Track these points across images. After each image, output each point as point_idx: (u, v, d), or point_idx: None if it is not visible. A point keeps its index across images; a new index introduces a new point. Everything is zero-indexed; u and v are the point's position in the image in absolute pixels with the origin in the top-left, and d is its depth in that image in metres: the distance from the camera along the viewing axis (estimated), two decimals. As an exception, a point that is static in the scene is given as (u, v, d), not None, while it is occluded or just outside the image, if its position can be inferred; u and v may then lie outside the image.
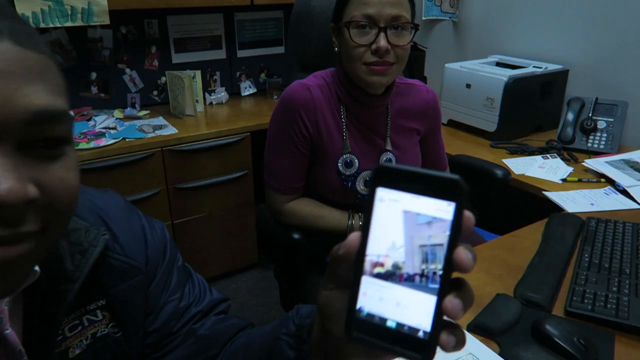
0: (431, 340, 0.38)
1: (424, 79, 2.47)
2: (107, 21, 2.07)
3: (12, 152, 0.40)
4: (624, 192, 1.50)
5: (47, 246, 0.45)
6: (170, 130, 2.16)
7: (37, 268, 0.51)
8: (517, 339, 0.88)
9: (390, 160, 1.27)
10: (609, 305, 0.94)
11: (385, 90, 1.23)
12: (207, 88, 2.66)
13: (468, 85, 2.07)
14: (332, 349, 0.46)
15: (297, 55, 1.54)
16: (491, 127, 1.98)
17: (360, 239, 0.39)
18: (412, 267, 0.38)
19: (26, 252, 0.42)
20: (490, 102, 1.97)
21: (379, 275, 0.39)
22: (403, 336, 0.38)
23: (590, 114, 1.90)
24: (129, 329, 0.62)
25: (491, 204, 1.65)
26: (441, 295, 0.37)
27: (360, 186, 1.25)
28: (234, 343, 0.68)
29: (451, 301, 0.36)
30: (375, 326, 0.39)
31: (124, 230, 0.62)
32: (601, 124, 1.89)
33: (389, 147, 1.28)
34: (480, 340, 0.88)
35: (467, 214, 0.37)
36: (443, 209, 0.37)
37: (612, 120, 1.88)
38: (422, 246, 0.38)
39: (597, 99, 1.91)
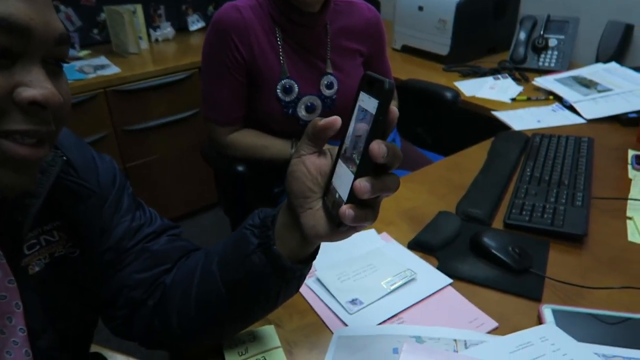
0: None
1: (376, 3, 2.39)
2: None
3: (40, 65, 0.48)
4: (571, 108, 1.51)
5: (49, 152, 0.52)
6: (113, 70, 2.05)
7: None
8: (455, 252, 0.90)
9: (331, 83, 1.24)
10: (545, 216, 0.97)
11: (321, 7, 1.16)
12: (151, 24, 2.51)
13: (420, 8, 2.00)
14: (296, 229, 0.56)
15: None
16: (444, 50, 1.95)
17: (340, 124, 0.51)
18: (350, 152, 0.50)
19: (45, 153, 0.50)
20: (443, 24, 1.92)
21: (340, 157, 0.52)
22: (338, 205, 0.50)
23: (541, 32, 1.88)
24: (85, 249, 0.64)
25: (443, 127, 1.65)
26: (356, 175, 0.48)
27: (301, 112, 1.22)
28: (189, 258, 0.71)
29: (359, 182, 0.47)
30: (331, 196, 0.52)
31: (76, 156, 0.65)
32: (552, 42, 1.87)
33: (329, 69, 1.24)
34: (420, 256, 0.90)
35: (392, 108, 0.47)
36: (372, 106, 0.47)
37: (563, 37, 1.87)
38: (357, 136, 0.49)
39: (549, 16, 1.89)
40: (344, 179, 0.50)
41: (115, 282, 0.67)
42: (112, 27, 2.27)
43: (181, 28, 2.61)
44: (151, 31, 2.46)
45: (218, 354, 0.69)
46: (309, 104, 1.22)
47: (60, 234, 0.62)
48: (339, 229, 0.52)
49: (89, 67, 2.07)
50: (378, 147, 0.46)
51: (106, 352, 0.90)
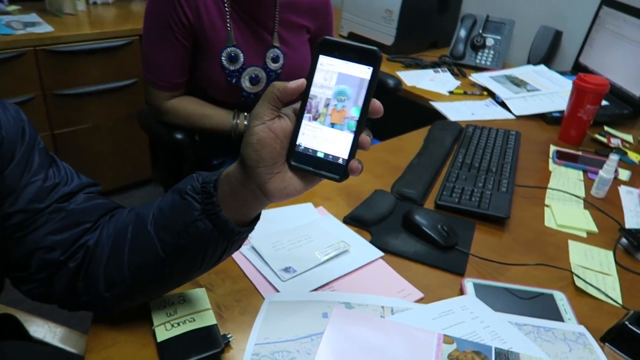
0: (347, 166, 0.55)
1: (327, -11, 2.39)
2: None
3: None
4: (502, 104, 1.60)
5: None
6: (45, 28, 1.92)
7: None
8: (388, 228, 0.93)
9: (277, 57, 1.23)
10: (473, 199, 1.02)
11: None
12: (89, -15, 2.37)
13: (368, -4, 2.03)
14: (251, 193, 0.56)
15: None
16: (389, 40, 1.99)
17: (304, 87, 0.54)
18: (317, 111, 0.55)
19: None
20: (389, 14, 1.96)
21: (315, 119, 0.55)
22: (328, 163, 0.55)
23: (480, 31, 1.96)
24: None
25: (384, 113, 1.69)
26: (357, 133, 0.54)
27: (245, 83, 1.21)
28: (113, 217, 0.67)
29: (365, 137, 0.55)
30: (308, 157, 0.56)
31: None
32: (490, 41, 1.96)
33: (276, 43, 1.23)
34: (354, 230, 0.92)
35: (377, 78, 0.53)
36: (364, 72, 0.53)
37: (499, 38, 1.96)
38: (346, 99, 0.54)
39: (488, 16, 1.98)
40: (329, 138, 0.55)
41: (28, 244, 0.61)
42: (43, -17, 2.13)
43: (121, -7, 2.49)
44: (88, -7, 2.33)
45: (145, 315, 0.68)
46: (253, 76, 1.21)
47: None
48: (309, 185, 0.58)
49: (18, 23, 1.93)
50: (379, 105, 0.54)
51: (21, 315, 0.85)
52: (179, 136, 1.19)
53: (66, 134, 2.07)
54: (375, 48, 0.52)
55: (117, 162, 2.27)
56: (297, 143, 0.56)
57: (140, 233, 0.61)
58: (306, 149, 0.56)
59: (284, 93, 0.54)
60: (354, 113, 0.54)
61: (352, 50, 0.54)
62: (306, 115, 0.56)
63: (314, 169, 0.56)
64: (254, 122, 0.55)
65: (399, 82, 1.65)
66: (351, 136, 0.54)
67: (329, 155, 0.55)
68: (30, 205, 0.61)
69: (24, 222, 0.61)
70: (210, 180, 0.58)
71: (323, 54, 0.55)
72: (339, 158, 0.55)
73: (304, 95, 0.55)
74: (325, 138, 0.55)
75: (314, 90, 0.55)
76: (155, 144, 1.36)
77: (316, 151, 0.56)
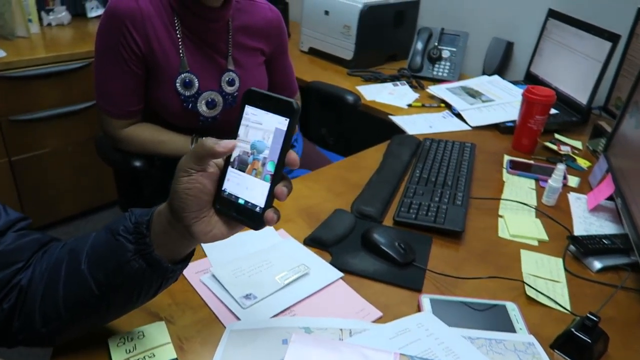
0: (262, 214, 0.57)
1: (284, 4, 2.42)
2: None
3: None
4: (459, 115, 1.64)
5: None
6: (-3, 54, 1.88)
7: None
8: (347, 248, 0.95)
9: (233, 80, 1.24)
10: (429, 213, 1.05)
11: (223, 3, 1.17)
12: (43, 7, 2.33)
13: (326, 12, 2.07)
14: (180, 233, 0.58)
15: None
16: (348, 55, 2.03)
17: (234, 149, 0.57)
18: (243, 161, 0.58)
19: None
20: (347, 29, 2.00)
21: (239, 168, 0.58)
22: (248, 210, 0.58)
23: (436, 44, 2.02)
24: None
25: (344, 129, 1.72)
26: (273, 183, 0.56)
27: (202, 107, 1.21)
28: (46, 253, 0.66)
29: (280, 188, 0.56)
30: (231, 202, 0.58)
31: None
32: (445, 53, 2.02)
33: (231, 66, 1.24)
34: (314, 252, 0.93)
35: (295, 128, 0.56)
36: (282, 123, 0.56)
37: (455, 50, 2.02)
38: (253, 148, 0.57)
39: (442, 29, 2.04)
40: (249, 186, 0.58)
41: None
42: (-3, 6, 2.08)
43: (78, 14, 2.45)
44: (43, 14, 2.29)
45: (104, 350, 0.68)
46: (209, 100, 1.22)
47: None
48: (234, 230, 0.60)
49: (-32, 49, 1.88)
50: (295, 157, 0.56)
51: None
52: (137, 164, 1.18)
53: (24, 160, 2.02)
54: (291, 100, 0.55)
55: (78, 186, 2.23)
56: (223, 188, 0.59)
57: (74, 272, 0.61)
58: (230, 194, 0.58)
59: (213, 154, 0.56)
60: (269, 167, 0.56)
61: (272, 101, 0.56)
62: (232, 162, 0.58)
63: (236, 214, 0.58)
64: (180, 174, 0.56)
65: (358, 97, 1.68)
66: (267, 186, 0.57)
67: (248, 202, 0.58)
68: None
69: None
70: (142, 221, 0.59)
71: (248, 104, 0.58)
72: (257, 206, 0.57)
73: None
74: (246, 186, 0.58)
75: (239, 140, 0.58)
76: (115, 170, 1.35)
77: (238, 197, 0.58)
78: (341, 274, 0.88)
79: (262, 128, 0.57)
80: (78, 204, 2.29)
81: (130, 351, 0.67)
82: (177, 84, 1.17)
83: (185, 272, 0.86)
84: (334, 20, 2.04)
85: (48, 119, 2.02)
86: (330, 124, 1.75)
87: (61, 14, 2.34)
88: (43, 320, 0.62)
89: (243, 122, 0.58)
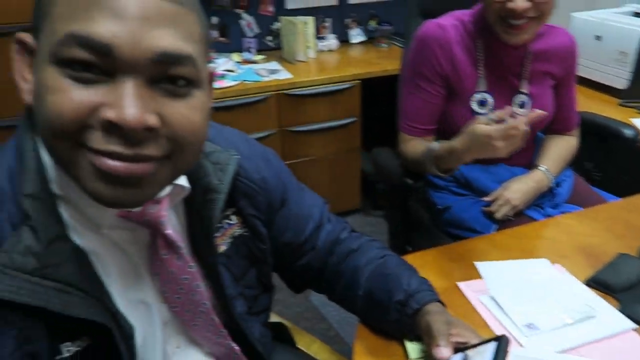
0: None
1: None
2: (230, -33, 2.16)
3: (142, 85, 0.48)
4: None
5: (171, 171, 0.53)
6: (285, 75, 2.26)
7: (187, 184, 0.64)
8: (639, 297, 0.88)
9: (523, 103, 1.25)
10: None
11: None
12: (317, 34, 2.70)
13: (598, 37, 1.91)
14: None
15: (417, 0, 1.53)
16: (622, 84, 1.84)
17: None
18: None
19: (148, 171, 0.50)
20: (623, 56, 1.82)
21: None
22: None
23: None
24: (254, 231, 0.75)
25: (616, 166, 1.57)
26: None
27: None
28: (343, 262, 0.85)
29: None
30: None
31: (245, 157, 0.73)
32: None
33: (523, 88, 1.26)
34: (599, 295, 0.89)
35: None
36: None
37: None
38: None
39: None
40: None
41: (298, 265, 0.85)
42: (285, 35, 2.50)
43: (343, 40, 2.77)
44: (317, 41, 2.65)
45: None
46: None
47: (237, 217, 0.73)
48: None
49: (265, 71, 2.30)
50: None
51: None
52: (409, 181, 1.28)
53: (294, 164, 2.37)
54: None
55: (330, 191, 2.51)
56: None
57: (351, 291, 0.84)
58: None
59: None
60: None
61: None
62: None
63: None
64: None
65: (636, 132, 1.51)
66: None
67: None
68: (297, 239, 0.83)
69: (293, 251, 0.84)
70: (408, 313, 0.76)
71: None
72: None
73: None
74: None
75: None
76: (385, 182, 1.48)
77: None
78: (633, 325, 0.82)
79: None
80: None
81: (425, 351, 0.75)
82: (473, 103, 1.24)
83: (465, 289, 0.91)
84: (607, 46, 1.87)
85: (315, 131, 2.33)
86: (597, 159, 1.62)
87: (330, 41, 2.68)
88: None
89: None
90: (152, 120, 0.48)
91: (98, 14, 0.46)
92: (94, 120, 0.47)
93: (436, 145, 1.13)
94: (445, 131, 1.27)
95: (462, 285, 0.91)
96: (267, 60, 2.49)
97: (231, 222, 0.72)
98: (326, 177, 2.46)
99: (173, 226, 0.64)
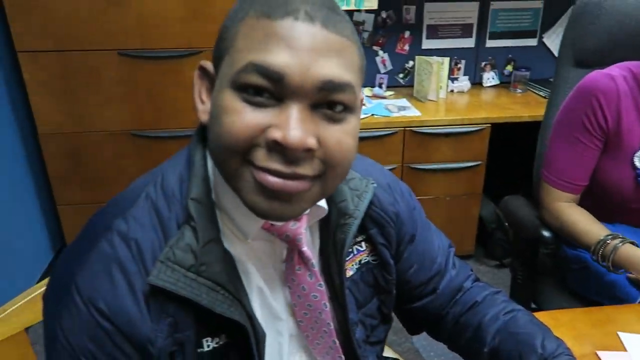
0: None
1: None
2: (375, 6, 2.26)
3: (306, 109, 0.53)
4: None
5: (320, 190, 0.57)
6: (413, 112, 2.27)
7: (325, 206, 0.67)
8: None
9: None
10: None
11: None
12: (449, 75, 2.68)
13: None
14: None
15: (572, 49, 1.45)
16: None
17: None
18: None
19: (302, 189, 0.54)
20: None
21: None
22: None
23: None
24: (382, 260, 0.75)
25: None
26: None
27: None
28: (466, 314, 0.82)
29: None
30: None
31: (380, 188, 0.75)
32: None
33: None
34: None
35: None
36: None
37: None
38: None
39: None
40: None
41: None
42: (419, 74, 2.51)
43: (475, 82, 2.72)
44: (448, 82, 2.63)
45: None
46: None
47: (367, 245, 0.74)
48: None
49: (394, 107, 2.34)
50: None
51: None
52: (546, 234, 1.20)
53: (411, 201, 2.35)
54: None
55: (445, 234, 2.44)
56: None
57: (477, 345, 0.80)
58: None
59: None
60: None
61: None
62: None
63: None
64: None
65: None
66: None
67: None
68: (420, 279, 0.83)
69: (414, 289, 0.83)
70: None
71: None
72: None
73: None
74: None
75: None
76: (516, 231, 1.41)
77: None
78: None
79: None
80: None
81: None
82: (636, 158, 1.15)
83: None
84: None
85: (437, 171, 2.30)
86: None
87: (463, 82, 2.65)
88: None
89: None
90: (312, 142, 0.52)
91: (274, 46, 0.52)
92: (261, 140, 0.53)
93: (614, 243, 1.08)
94: (595, 187, 1.18)
95: (604, 354, 0.83)
96: (396, 96, 2.53)
97: (361, 248, 0.74)
98: (442, 219, 2.40)
99: (307, 244, 0.67)
